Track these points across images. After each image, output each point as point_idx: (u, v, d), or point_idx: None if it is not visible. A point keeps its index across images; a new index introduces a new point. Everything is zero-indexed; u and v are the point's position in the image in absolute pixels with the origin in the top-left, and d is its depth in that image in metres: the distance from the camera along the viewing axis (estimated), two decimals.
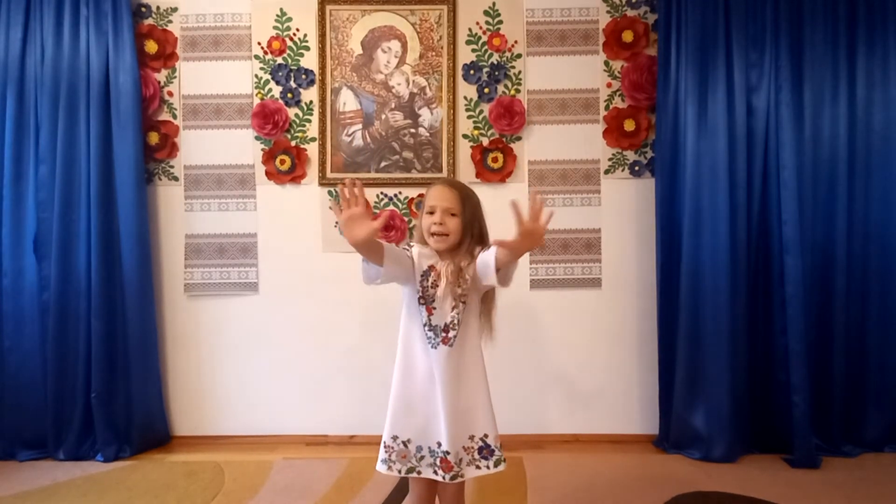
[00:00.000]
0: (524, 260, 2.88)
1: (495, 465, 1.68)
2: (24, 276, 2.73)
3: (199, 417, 2.93)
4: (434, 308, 1.65)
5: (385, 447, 1.69)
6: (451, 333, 1.65)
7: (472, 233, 1.70)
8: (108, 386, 2.72)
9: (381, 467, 1.69)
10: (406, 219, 2.89)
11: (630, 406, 2.91)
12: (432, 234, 1.67)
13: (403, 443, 1.67)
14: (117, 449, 2.71)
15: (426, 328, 1.65)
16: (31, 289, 2.73)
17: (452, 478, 1.64)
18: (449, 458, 1.63)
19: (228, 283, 2.92)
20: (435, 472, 1.65)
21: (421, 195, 2.84)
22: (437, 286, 1.65)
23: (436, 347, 1.64)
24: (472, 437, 1.67)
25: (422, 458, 1.66)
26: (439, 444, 1.65)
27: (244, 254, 2.92)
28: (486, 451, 1.68)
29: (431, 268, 1.68)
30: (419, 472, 1.66)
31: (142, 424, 2.78)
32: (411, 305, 1.69)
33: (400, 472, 1.67)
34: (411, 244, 1.74)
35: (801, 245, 2.59)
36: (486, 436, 1.68)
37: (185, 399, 2.93)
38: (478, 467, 1.67)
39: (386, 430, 1.70)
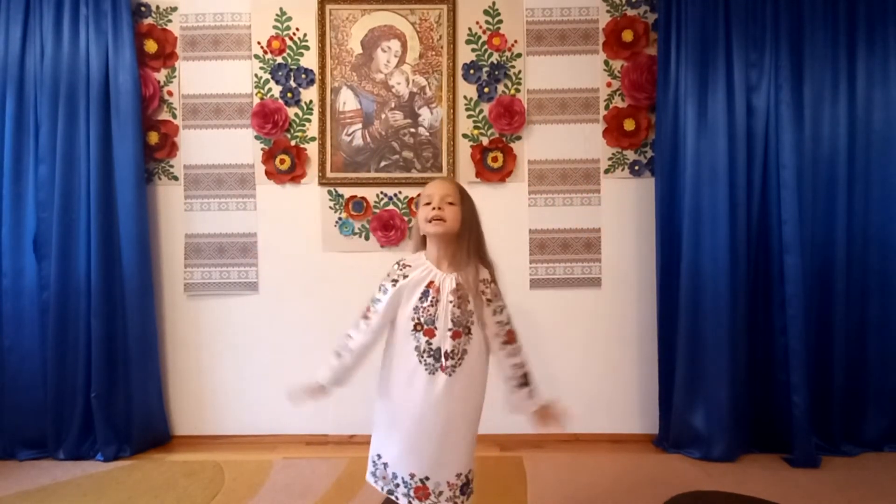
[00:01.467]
0: (524, 260, 2.89)
1: (468, 499, 1.66)
2: (24, 276, 2.72)
3: (199, 417, 2.93)
4: (435, 330, 1.59)
5: (372, 462, 1.69)
6: (450, 362, 1.59)
7: (471, 232, 1.65)
8: (108, 386, 2.72)
9: (369, 478, 1.70)
10: (406, 219, 2.89)
11: (630, 406, 2.91)
12: (430, 221, 1.61)
13: (384, 464, 1.65)
14: (117, 448, 2.71)
15: (425, 354, 1.59)
16: (31, 288, 2.72)
17: None
18: (427, 484, 1.59)
19: (228, 282, 2.92)
20: (409, 502, 1.61)
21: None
22: (437, 303, 1.60)
23: (433, 374, 1.59)
24: (458, 475, 1.63)
25: (397, 485, 1.63)
26: (412, 476, 1.60)
27: (244, 253, 2.92)
28: (465, 486, 1.65)
29: (430, 284, 1.61)
30: (396, 498, 1.63)
31: (142, 424, 2.78)
32: (400, 334, 1.62)
33: (382, 489, 1.66)
34: (404, 268, 1.65)
35: (800, 245, 2.59)
36: (469, 472, 1.66)
37: (185, 399, 2.93)
38: (454, 503, 1.63)
39: (372, 444, 1.69)
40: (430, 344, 1.59)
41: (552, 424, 1.70)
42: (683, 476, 2.47)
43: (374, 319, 1.64)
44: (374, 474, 1.68)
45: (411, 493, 1.61)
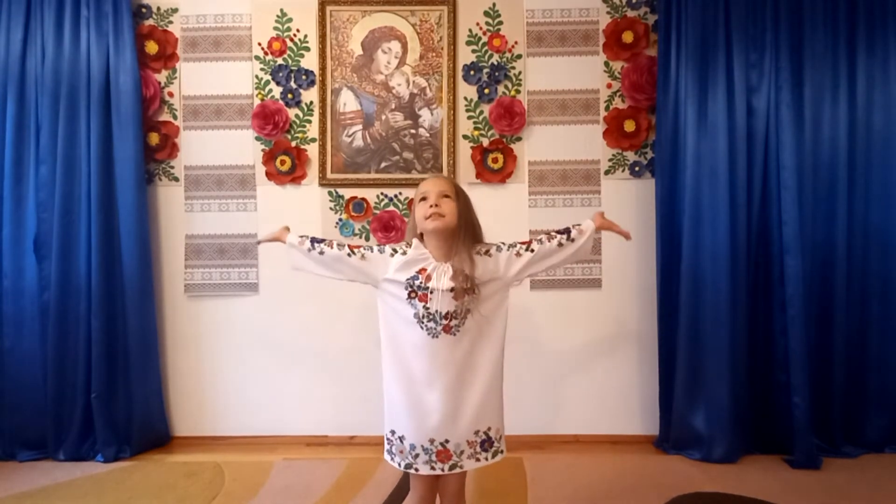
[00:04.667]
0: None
1: (493, 457, 1.68)
2: (25, 277, 2.73)
3: (199, 417, 2.93)
4: (430, 294, 1.61)
5: (387, 440, 1.71)
6: (454, 322, 1.62)
7: (467, 224, 1.67)
8: (108, 386, 2.72)
9: (386, 456, 1.72)
10: (406, 219, 2.89)
11: (630, 406, 2.91)
12: (427, 218, 1.63)
13: (399, 438, 1.67)
14: (117, 449, 2.71)
15: (424, 319, 1.62)
16: (32, 289, 2.73)
17: (451, 468, 1.63)
18: (448, 446, 1.63)
19: (229, 283, 2.92)
20: (432, 468, 1.64)
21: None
22: (428, 282, 1.62)
23: (436, 337, 1.62)
24: (476, 432, 1.66)
25: (416, 455, 1.65)
26: (432, 441, 1.63)
27: (244, 254, 2.92)
28: (486, 443, 1.67)
29: (422, 271, 1.64)
30: (416, 469, 1.65)
31: (142, 424, 2.78)
32: (396, 305, 1.66)
33: (400, 465, 1.68)
34: (400, 248, 1.71)
35: (801, 245, 2.58)
36: (489, 429, 1.68)
37: (185, 399, 2.93)
38: (477, 459, 1.66)
39: (385, 422, 1.71)
40: (428, 308, 1.62)
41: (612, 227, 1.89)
42: (684, 477, 2.47)
43: (355, 259, 1.71)
44: (389, 451, 1.70)
45: (433, 458, 1.64)
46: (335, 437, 2.91)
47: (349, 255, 1.71)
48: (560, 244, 1.75)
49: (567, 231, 1.77)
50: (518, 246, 1.73)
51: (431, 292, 1.62)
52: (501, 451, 1.71)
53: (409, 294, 1.64)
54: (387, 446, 1.71)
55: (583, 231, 1.78)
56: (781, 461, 2.62)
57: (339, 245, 1.75)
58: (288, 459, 2.70)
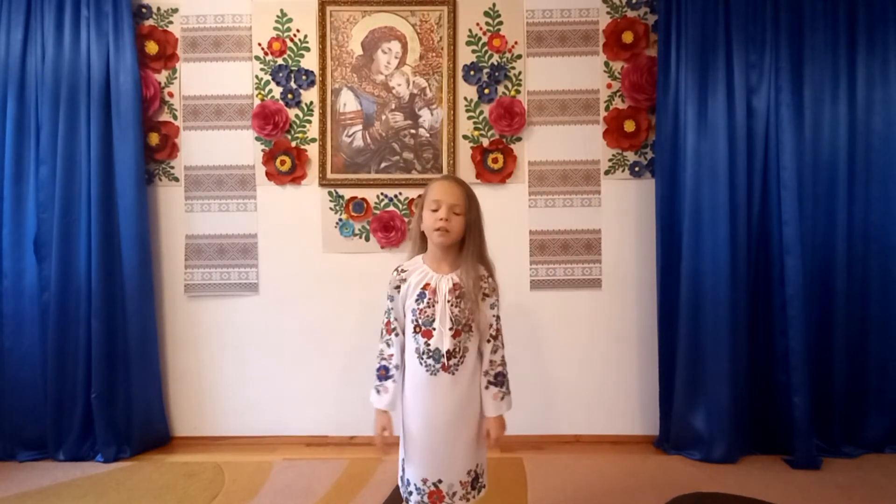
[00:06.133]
0: (524, 261, 2.89)
1: (478, 493, 1.68)
2: (25, 277, 2.73)
3: (199, 417, 2.93)
4: (433, 330, 1.60)
5: (401, 466, 1.70)
6: (452, 361, 1.60)
7: (473, 235, 1.65)
8: (108, 386, 2.72)
9: (400, 482, 1.71)
10: (406, 219, 2.89)
11: (630, 406, 2.91)
12: (436, 230, 1.61)
13: (404, 469, 1.68)
14: (117, 449, 2.71)
15: (425, 356, 1.60)
16: (32, 289, 2.73)
17: None
18: (441, 486, 1.61)
19: (229, 283, 2.92)
20: None
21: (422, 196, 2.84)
22: (434, 304, 1.62)
23: (435, 374, 1.60)
24: (469, 472, 1.65)
25: (410, 493, 1.65)
26: (424, 481, 1.62)
27: (244, 254, 2.92)
28: (475, 481, 1.67)
29: (427, 286, 1.63)
30: None
31: (142, 425, 2.78)
32: (406, 339, 1.66)
33: (402, 493, 1.69)
34: (402, 273, 1.69)
35: (801, 246, 2.59)
36: (477, 466, 1.67)
37: (185, 399, 2.93)
38: (467, 500, 1.65)
39: (401, 446, 1.70)
40: (429, 345, 1.61)
41: (488, 439, 1.67)
42: (684, 477, 2.47)
43: (399, 329, 1.68)
44: (401, 478, 1.71)
45: (425, 499, 1.62)
46: (335, 437, 2.91)
47: (396, 335, 1.66)
48: (487, 384, 1.67)
49: (498, 381, 1.68)
50: (495, 327, 1.67)
51: (434, 305, 1.60)
52: (484, 486, 1.71)
53: (413, 329, 1.63)
54: (400, 472, 1.71)
55: (487, 404, 1.66)
56: (781, 461, 2.62)
57: (386, 346, 1.67)
58: (288, 459, 2.70)
